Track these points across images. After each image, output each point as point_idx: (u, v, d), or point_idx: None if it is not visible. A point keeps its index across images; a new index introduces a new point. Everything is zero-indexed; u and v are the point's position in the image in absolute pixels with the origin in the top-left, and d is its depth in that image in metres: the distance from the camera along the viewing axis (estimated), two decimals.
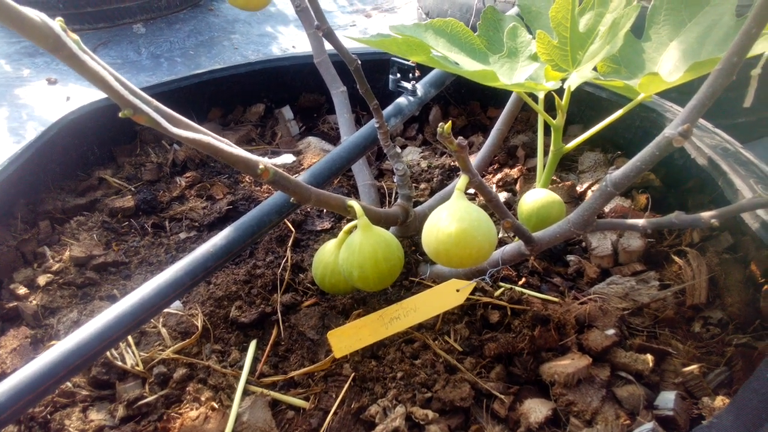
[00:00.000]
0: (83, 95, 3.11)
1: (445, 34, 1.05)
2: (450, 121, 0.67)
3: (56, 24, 0.57)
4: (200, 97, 1.74)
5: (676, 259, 1.14)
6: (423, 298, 0.95)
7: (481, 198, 0.81)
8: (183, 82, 1.68)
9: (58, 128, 1.44)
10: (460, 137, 0.69)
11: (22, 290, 1.17)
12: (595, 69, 1.01)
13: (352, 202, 0.91)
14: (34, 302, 1.15)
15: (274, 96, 1.83)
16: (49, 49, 0.57)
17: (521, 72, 1.03)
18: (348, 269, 0.92)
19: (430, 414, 0.88)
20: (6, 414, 0.73)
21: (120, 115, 0.63)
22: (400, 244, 0.96)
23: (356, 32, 3.99)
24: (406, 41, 0.87)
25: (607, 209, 1.27)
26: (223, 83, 1.75)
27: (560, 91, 1.01)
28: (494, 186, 1.46)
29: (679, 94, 1.33)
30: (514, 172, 1.47)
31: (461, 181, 0.79)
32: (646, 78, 0.86)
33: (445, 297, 0.96)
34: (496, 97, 1.76)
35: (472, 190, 1.43)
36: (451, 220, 0.76)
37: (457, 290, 0.95)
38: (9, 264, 1.23)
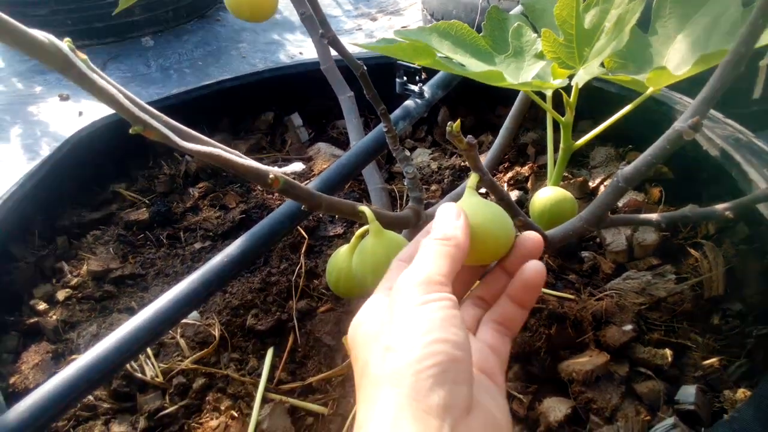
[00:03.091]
0: (95, 110, 3.14)
1: (449, 36, 1.05)
2: (459, 120, 0.67)
3: (64, 44, 0.58)
4: (210, 107, 1.75)
5: (692, 251, 1.13)
6: None
7: (493, 197, 0.81)
8: (192, 94, 1.69)
9: (71, 144, 1.46)
10: (470, 136, 0.69)
11: (42, 306, 1.19)
12: (602, 65, 1.01)
13: (363, 208, 0.91)
14: (54, 317, 1.17)
15: (282, 103, 1.83)
16: (59, 70, 0.57)
17: (528, 71, 1.02)
18: (361, 273, 0.92)
19: None
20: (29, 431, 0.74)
21: (131, 131, 0.64)
22: None
23: (362, 35, 3.99)
24: (411, 45, 0.87)
25: (620, 204, 1.26)
26: (232, 93, 1.76)
27: (568, 88, 1.00)
28: (505, 185, 1.46)
29: (690, 84, 1.31)
30: (525, 170, 1.47)
31: (471, 179, 0.79)
32: (654, 72, 0.85)
33: None
34: (505, 95, 1.74)
35: (483, 190, 1.43)
36: None
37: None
38: (28, 280, 1.25)
